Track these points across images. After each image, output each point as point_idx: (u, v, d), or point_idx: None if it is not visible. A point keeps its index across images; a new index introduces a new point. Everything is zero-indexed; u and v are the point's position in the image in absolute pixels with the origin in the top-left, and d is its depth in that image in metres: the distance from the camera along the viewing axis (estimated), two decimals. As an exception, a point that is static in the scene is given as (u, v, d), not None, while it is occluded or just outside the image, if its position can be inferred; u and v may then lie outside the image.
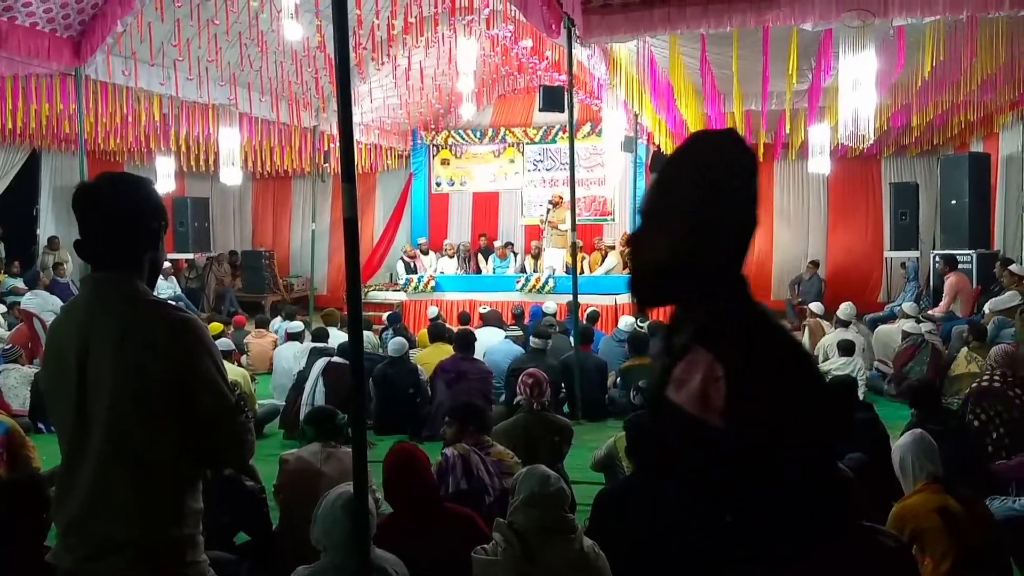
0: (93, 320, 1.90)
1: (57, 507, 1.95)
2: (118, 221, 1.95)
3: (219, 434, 1.94)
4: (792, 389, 1.32)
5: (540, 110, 9.46)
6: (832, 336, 8.43)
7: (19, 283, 11.64)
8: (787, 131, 10.85)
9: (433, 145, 15.28)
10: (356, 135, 12.87)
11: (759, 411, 1.28)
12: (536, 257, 13.28)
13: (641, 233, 1.41)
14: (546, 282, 11.93)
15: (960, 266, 9.49)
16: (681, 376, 1.36)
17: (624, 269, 12.58)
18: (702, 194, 1.34)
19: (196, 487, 1.98)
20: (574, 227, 7.85)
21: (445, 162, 15.34)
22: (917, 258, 11.83)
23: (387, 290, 13.39)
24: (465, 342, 7.11)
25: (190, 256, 14.25)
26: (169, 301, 2.11)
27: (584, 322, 8.71)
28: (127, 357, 1.85)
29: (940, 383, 7.06)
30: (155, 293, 2.05)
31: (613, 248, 13.39)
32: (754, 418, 1.28)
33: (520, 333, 8.73)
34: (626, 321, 8.81)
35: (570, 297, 7.81)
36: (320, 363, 6.92)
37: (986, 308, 8.33)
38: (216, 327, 8.46)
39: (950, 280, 9.15)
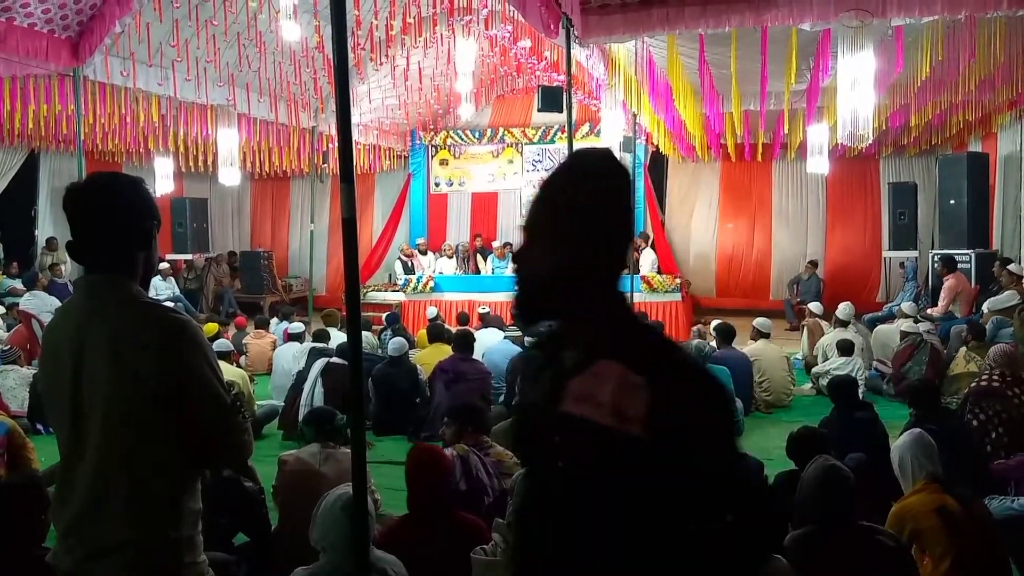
0: (88, 323, 1.89)
1: (56, 508, 1.95)
2: (110, 222, 1.95)
3: (215, 435, 1.94)
4: (704, 397, 1.37)
5: (539, 110, 9.44)
6: (831, 336, 8.44)
7: (17, 284, 11.64)
8: (785, 131, 10.86)
9: (432, 145, 15.29)
10: (355, 136, 12.87)
11: (681, 419, 1.32)
12: (535, 257, 13.27)
13: (523, 250, 1.46)
14: (545, 282, 11.90)
15: (959, 266, 9.48)
16: (584, 389, 1.37)
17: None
18: (577, 212, 1.39)
19: (194, 488, 1.97)
20: (573, 227, 7.84)
21: (444, 162, 15.35)
22: (916, 258, 11.83)
23: (386, 290, 13.39)
24: (464, 342, 7.11)
25: (189, 257, 14.24)
26: (165, 302, 2.10)
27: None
28: (122, 360, 1.85)
29: (939, 383, 7.05)
30: (154, 293, 2.05)
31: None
32: (678, 426, 1.31)
33: (519, 333, 8.71)
34: (625, 321, 8.81)
35: (569, 297, 7.79)
36: (319, 364, 6.92)
37: (985, 307, 8.33)
38: (211, 328, 8.43)
39: (949, 283, 9.14)
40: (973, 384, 5.37)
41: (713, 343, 7.85)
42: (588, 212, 1.39)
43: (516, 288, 1.46)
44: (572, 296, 1.41)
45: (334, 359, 6.95)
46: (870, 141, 8.12)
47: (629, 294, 10.75)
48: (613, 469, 1.34)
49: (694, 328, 9.67)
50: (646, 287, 11.53)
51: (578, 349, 1.42)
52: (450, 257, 14.11)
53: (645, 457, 1.31)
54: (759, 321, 8.28)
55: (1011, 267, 8.67)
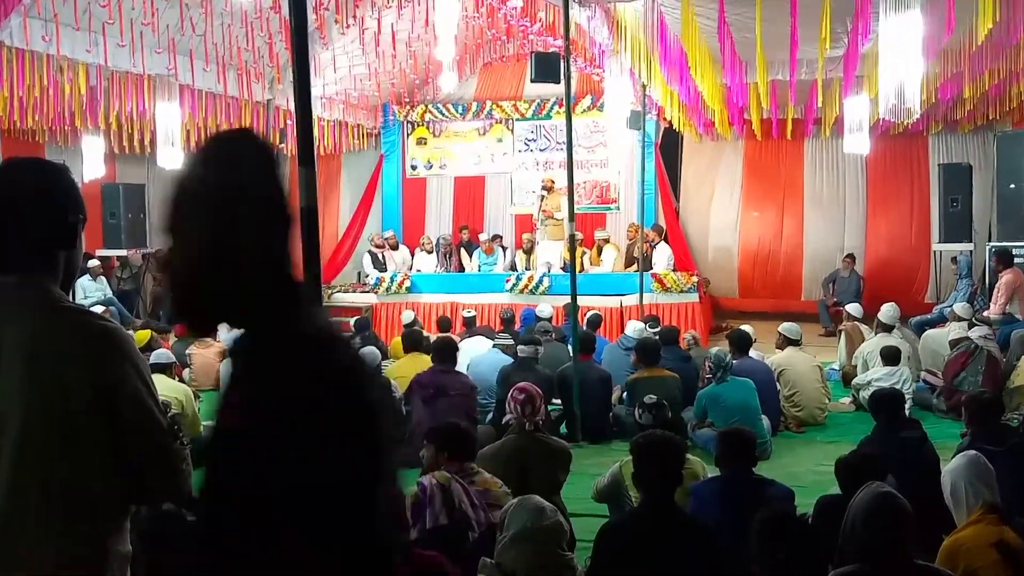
0: None
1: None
2: (27, 216, 1.94)
3: (147, 461, 1.93)
4: (320, 394, 1.41)
5: (532, 81, 9.46)
6: (873, 342, 8.46)
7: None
8: (819, 104, 10.87)
9: (408, 122, 15.28)
10: (317, 111, 12.85)
11: (280, 412, 1.39)
12: (528, 252, 13.30)
13: (168, 254, 1.49)
14: (540, 281, 11.95)
15: (1016, 260, 9.53)
16: (226, 395, 1.50)
17: (628, 267, 12.60)
18: (217, 205, 1.44)
19: (123, 528, 1.96)
20: (572, 217, 7.85)
21: (422, 141, 15.35)
22: (970, 251, 11.88)
23: (354, 291, 13.39)
24: (445, 352, 7.10)
25: (123, 253, 14.14)
26: (94, 307, 2.09)
27: (584, 328, 8.71)
28: (39, 372, 1.84)
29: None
30: (82, 296, 2.04)
31: (608, 241, 13.42)
32: (276, 418, 1.39)
33: (510, 341, 8.72)
34: (634, 327, 8.81)
35: (568, 298, 7.82)
36: (275, 377, 6.89)
37: (1050, 309, 8.38)
38: (143, 335, 8.36)
39: (1005, 278, 9.19)
40: (1037, 398, 5.39)
41: (709, 350, 7.84)
42: (222, 205, 1.43)
43: (171, 295, 1.52)
44: (229, 296, 1.45)
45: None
46: (917, 116, 8.15)
47: (638, 295, 10.49)
48: (226, 467, 1.44)
49: (687, 335, 9.08)
50: (658, 286, 11.55)
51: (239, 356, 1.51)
52: (429, 252, 14.11)
53: (243, 450, 1.40)
54: (786, 327, 8.30)
55: (1080, 261, 8.73)
